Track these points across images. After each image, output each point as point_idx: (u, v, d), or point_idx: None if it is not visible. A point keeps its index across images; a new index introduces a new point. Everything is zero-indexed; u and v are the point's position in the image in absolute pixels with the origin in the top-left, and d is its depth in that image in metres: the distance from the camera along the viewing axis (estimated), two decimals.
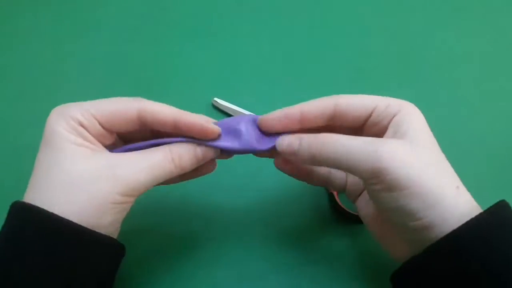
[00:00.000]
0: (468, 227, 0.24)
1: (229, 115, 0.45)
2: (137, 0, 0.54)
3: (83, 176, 0.25)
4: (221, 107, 0.45)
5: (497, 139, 0.44)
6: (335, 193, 0.39)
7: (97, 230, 0.25)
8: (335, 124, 0.30)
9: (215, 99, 0.46)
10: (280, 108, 0.29)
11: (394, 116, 0.27)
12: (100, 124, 0.27)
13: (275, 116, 0.29)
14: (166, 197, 0.39)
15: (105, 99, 0.27)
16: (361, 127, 0.29)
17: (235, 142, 0.29)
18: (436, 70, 0.49)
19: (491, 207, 0.26)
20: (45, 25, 0.52)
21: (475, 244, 0.24)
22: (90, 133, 0.26)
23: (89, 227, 0.24)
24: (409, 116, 0.27)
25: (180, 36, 0.51)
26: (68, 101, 0.28)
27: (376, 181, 0.26)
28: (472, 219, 0.24)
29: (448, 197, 0.25)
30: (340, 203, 0.39)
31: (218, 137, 0.29)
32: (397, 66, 0.49)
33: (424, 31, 0.52)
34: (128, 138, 0.30)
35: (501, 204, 0.26)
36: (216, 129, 0.28)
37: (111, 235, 0.27)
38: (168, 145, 0.27)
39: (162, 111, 0.27)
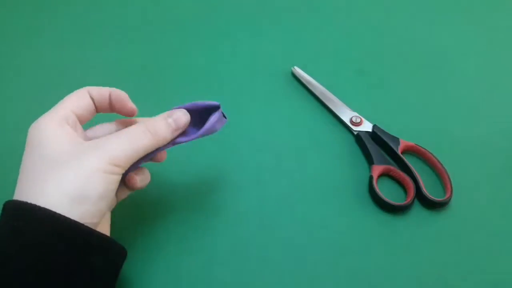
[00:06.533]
0: None
1: (306, 87, 0.46)
2: None
3: (68, 152, 0.26)
4: (300, 77, 0.47)
5: (497, 139, 0.43)
6: (374, 175, 0.38)
7: (86, 204, 0.25)
8: None
9: (295, 67, 0.47)
10: None
11: None
12: (74, 113, 0.29)
13: None
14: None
15: (64, 98, 0.30)
16: None
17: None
18: (435, 70, 0.48)
19: None
20: (47, 26, 0.52)
21: None
22: (69, 125, 0.28)
23: (78, 198, 0.25)
24: None
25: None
26: None
27: None
28: None
29: None
30: (377, 189, 0.37)
31: (133, 115, 0.32)
32: (396, 65, 0.49)
33: (423, 30, 0.52)
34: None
35: None
36: (135, 108, 0.32)
37: (101, 217, 0.26)
38: (142, 121, 0.29)
39: (102, 87, 0.31)
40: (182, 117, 0.30)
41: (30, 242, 0.23)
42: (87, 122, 0.31)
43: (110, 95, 0.31)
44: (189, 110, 0.31)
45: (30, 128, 0.27)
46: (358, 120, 0.42)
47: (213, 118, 0.30)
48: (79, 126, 0.29)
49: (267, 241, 0.35)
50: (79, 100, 0.29)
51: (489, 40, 0.51)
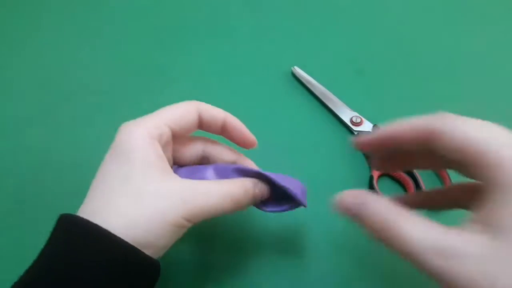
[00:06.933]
0: None
1: (306, 87, 0.46)
2: None
3: (153, 193, 0.24)
4: (300, 77, 0.46)
5: None
6: (375, 175, 0.38)
7: (146, 250, 0.24)
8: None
9: (295, 67, 0.47)
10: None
11: (488, 184, 0.19)
12: (171, 129, 0.27)
13: (367, 138, 0.26)
14: None
15: (168, 106, 0.28)
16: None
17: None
18: (436, 70, 0.48)
19: None
20: (48, 25, 0.51)
21: None
22: (161, 145, 0.27)
23: (146, 244, 0.24)
24: (508, 194, 0.19)
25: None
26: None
27: None
28: None
29: None
30: (377, 189, 0.37)
31: (254, 147, 0.31)
32: (397, 65, 0.49)
33: (424, 30, 0.52)
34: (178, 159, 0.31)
35: None
36: (255, 140, 0.31)
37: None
38: (234, 180, 0.27)
39: (215, 108, 0.29)
40: (265, 194, 0.29)
41: (90, 265, 0.22)
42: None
43: (224, 121, 0.29)
44: (274, 182, 0.28)
45: (121, 127, 0.26)
46: (358, 120, 0.42)
47: (287, 208, 0.29)
48: (170, 144, 0.28)
49: (266, 242, 0.36)
50: (183, 116, 0.28)
51: (490, 40, 0.51)
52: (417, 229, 0.20)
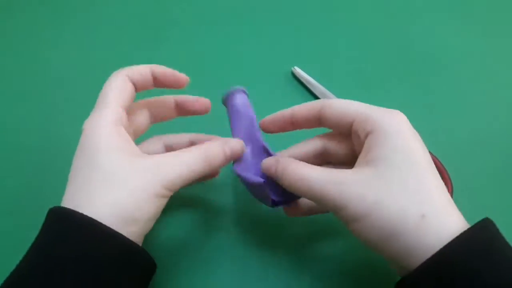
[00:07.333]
0: (428, 268, 0.23)
1: (306, 87, 0.46)
2: None
3: (123, 168, 0.25)
4: (300, 77, 0.46)
5: (497, 139, 0.43)
6: None
7: (136, 226, 0.25)
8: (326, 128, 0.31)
9: (295, 67, 0.47)
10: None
11: (368, 134, 0.27)
12: (124, 108, 0.28)
13: (270, 118, 0.32)
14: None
15: (105, 89, 0.29)
16: (349, 133, 0.29)
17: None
18: (436, 70, 0.48)
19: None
20: (45, 25, 0.52)
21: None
22: (123, 127, 0.28)
23: (130, 220, 0.24)
24: (383, 137, 0.26)
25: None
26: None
27: (338, 215, 0.26)
28: (430, 260, 0.23)
29: (409, 229, 0.23)
30: None
31: (187, 84, 0.33)
32: (397, 65, 0.49)
33: (424, 30, 0.52)
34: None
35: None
36: (186, 77, 0.32)
37: (144, 236, 0.27)
38: (199, 145, 0.29)
39: (140, 66, 0.31)
40: (237, 146, 0.30)
41: (80, 254, 0.23)
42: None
43: (153, 72, 0.31)
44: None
45: (85, 124, 0.27)
46: None
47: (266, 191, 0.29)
48: (127, 124, 0.29)
49: (270, 245, 0.35)
50: (123, 92, 0.29)
51: (490, 39, 0.51)
52: (317, 172, 0.26)
